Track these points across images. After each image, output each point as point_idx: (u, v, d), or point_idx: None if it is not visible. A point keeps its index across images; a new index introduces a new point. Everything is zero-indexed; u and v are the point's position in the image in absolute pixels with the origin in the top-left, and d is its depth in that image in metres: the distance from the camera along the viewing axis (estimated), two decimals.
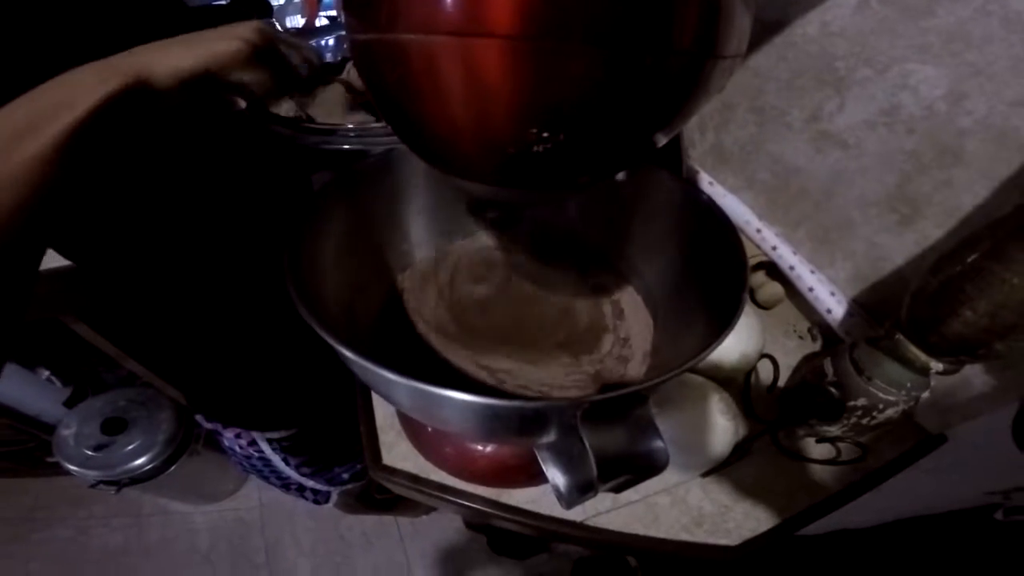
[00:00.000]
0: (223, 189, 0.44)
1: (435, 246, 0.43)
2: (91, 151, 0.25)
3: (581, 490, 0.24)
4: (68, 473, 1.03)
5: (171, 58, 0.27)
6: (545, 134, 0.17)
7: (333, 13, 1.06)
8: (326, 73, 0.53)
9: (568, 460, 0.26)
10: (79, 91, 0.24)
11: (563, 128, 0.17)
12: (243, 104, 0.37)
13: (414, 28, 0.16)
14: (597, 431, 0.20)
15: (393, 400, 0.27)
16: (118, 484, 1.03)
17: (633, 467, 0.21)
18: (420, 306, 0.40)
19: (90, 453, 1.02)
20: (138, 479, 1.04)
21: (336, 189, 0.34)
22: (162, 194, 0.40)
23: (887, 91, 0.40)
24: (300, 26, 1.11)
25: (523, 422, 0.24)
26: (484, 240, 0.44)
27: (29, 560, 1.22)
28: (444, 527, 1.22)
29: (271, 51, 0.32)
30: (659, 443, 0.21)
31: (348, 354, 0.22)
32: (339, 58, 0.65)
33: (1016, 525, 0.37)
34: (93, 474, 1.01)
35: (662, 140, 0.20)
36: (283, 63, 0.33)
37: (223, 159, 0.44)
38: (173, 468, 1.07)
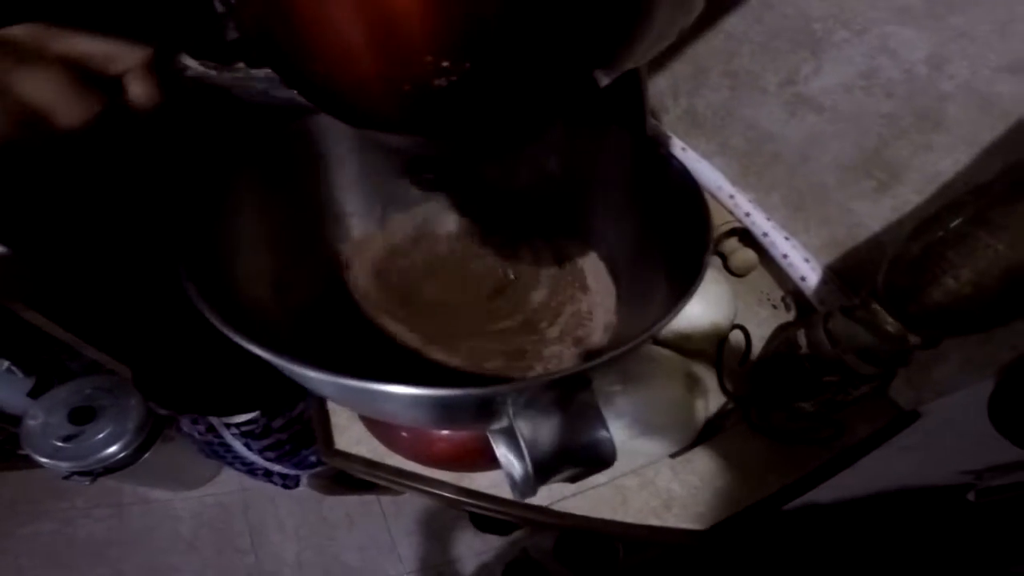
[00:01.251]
0: (149, 169, 0.41)
1: (376, 216, 0.39)
2: None
3: (531, 481, 0.22)
4: (40, 465, 1.01)
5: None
6: (445, 63, 0.13)
7: None
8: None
9: (519, 449, 0.24)
10: None
11: (466, 54, 0.13)
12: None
13: None
14: (531, 422, 0.18)
15: (324, 395, 0.25)
16: (92, 474, 1.01)
17: (576, 459, 0.19)
18: (362, 283, 0.37)
19: (60, 444, 0.99)
20: (112, 468, 1.02)
21: (246, 160, 0.31)
22: (96, 174, 0.37)
23: (865, 54, 0.39)
24: None
25: (458, 411, 0.21)
26: (431, 207, 0.41)
27: (19, 555, 1.21)
28: (427, 505, 1.22)
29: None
30: (604, 433, 0.19)
31: (255, 350, 0.19)
32: None
33: (988, 505, 0.36)
34: (65, 465, 0.99)
35: (603, 78, 0.17)
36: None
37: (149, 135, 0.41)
38: (147, 455, 1.05)
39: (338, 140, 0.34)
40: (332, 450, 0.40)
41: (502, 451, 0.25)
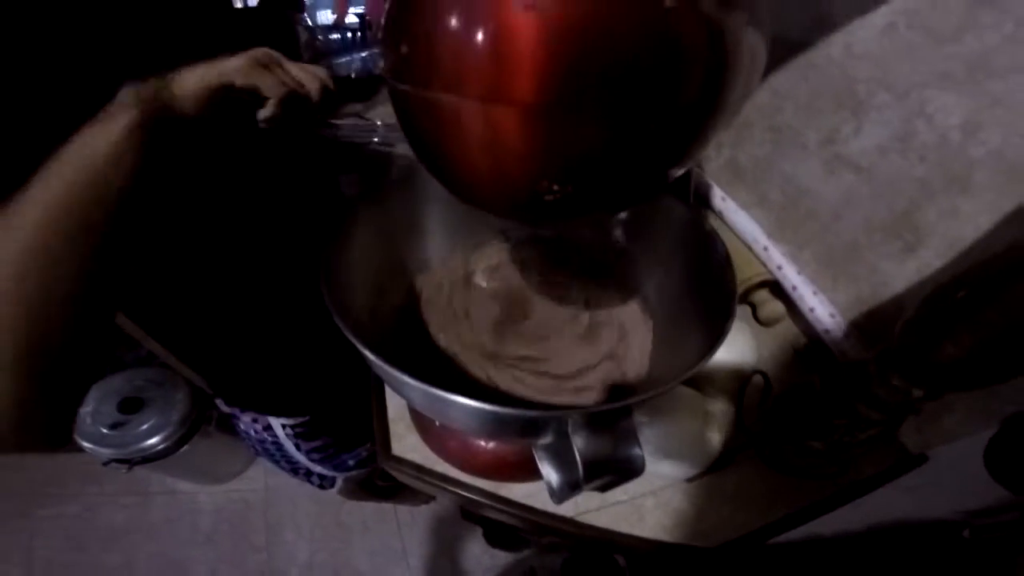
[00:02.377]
0: (254, 185, 0.46)
1: (451, 255, 0.45)
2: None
3: (570, 487, 0.26)
4: (81, 450, 1.05)
5: (187, 81, 0.32)
6: (555, 187, 0.19)
7: (361, 9, 1.09)
8: (344, 93, 0.55)
9: (561, 461, 0.28)
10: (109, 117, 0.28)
11: (571, 182, 0.19)
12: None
13: (445, 88, 0.17)
14: (585, 437, 0.23)
15: (406, 398, 0.29)
16: (130, 462, 1.05)
17: (614, 470, 0.23)
18: (434, 311, 0.42)
19: (105, 431, 1.04)
20: (150, 458, 1.06)
21: (365, 198, 0.37)
22: (195, 187, 0.42)
23: (903, 117, 0.40)
24: (331, 21, 1.14)
25: (521, 427, 0.26)
26: (497, 251, 0.46)
27: (33, 535, 1.25)
28: (441, 517, 1.24)
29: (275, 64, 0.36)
30: (637, 450, 0.23)
31: (370, 356, 0.24)
32: (366, 73, 0.67)
33: (981, 542, 0.38)
34: (107, 452, 1.03)
35: (667, 181, 0.22)
36: (287, 76, 0.37)
37: (255, 157, 0.46)
38: (185, 448, 1.09)
39: (435, 189, 0.41)
40: (389, 455, 0.44)
41: (544, 463, 0.30)
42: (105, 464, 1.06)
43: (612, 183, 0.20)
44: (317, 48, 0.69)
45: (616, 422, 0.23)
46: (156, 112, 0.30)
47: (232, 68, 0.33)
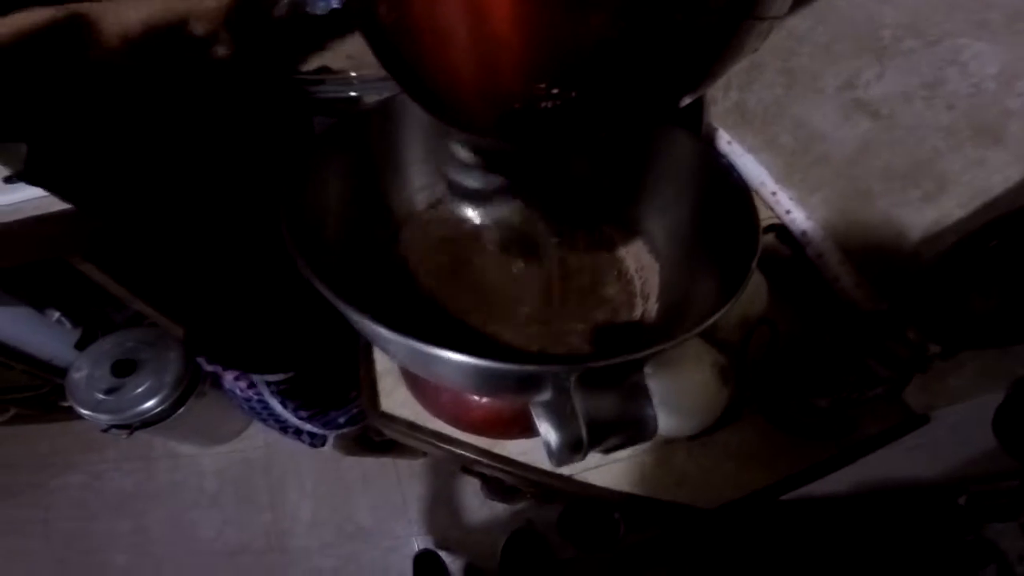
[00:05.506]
0: (225, 132, 0.43)
1: (437, 193, 0.42)
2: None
3: (571, 450, 0.24)
4: (80, 418, 1.04)
5: (123, 9, 0.25)
6: (555, 90, 0.15)
7: None
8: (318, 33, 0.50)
9: (561, 419, 0.26)
10: None
11: (576, 85, 0.15)
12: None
13: None
14: (590, 395, 0.20)
15: (390, 354, 0.27)
16: (130, 427, 1.04)
17: (622, 433, 0.21)
18: (422, 257, 0.39)
19: (101, 396, 1.03)
20: (149, 422, 1.05)
21: (336, 136, 0.33)
22: (165, 138, 0.39)
23: (933, 64, 0.39)
24: None
25: (518, 383, 0.24)
26: (487, 192, 0.42)
27: (49, 507, 1.27)
28: (440, 470, 1.27)
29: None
30: (650, 411, 0.21)
31: (344, 308, 0.21)
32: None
33: (976, 510, 0.38)
34: (105, 418, 1.02)
35: (684, 102, 0.18)
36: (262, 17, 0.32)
37: (223, 103, 0.43)
38: (182, 410, 1.09)
39: (413, 122, 0.37)
40: (378, 412, 0.43)
41: (542, 421, 0.28)
42: (105, 431, 1.05)
43: (621, 91, 0.16)
44: None
45: (625, 378, 0.21)
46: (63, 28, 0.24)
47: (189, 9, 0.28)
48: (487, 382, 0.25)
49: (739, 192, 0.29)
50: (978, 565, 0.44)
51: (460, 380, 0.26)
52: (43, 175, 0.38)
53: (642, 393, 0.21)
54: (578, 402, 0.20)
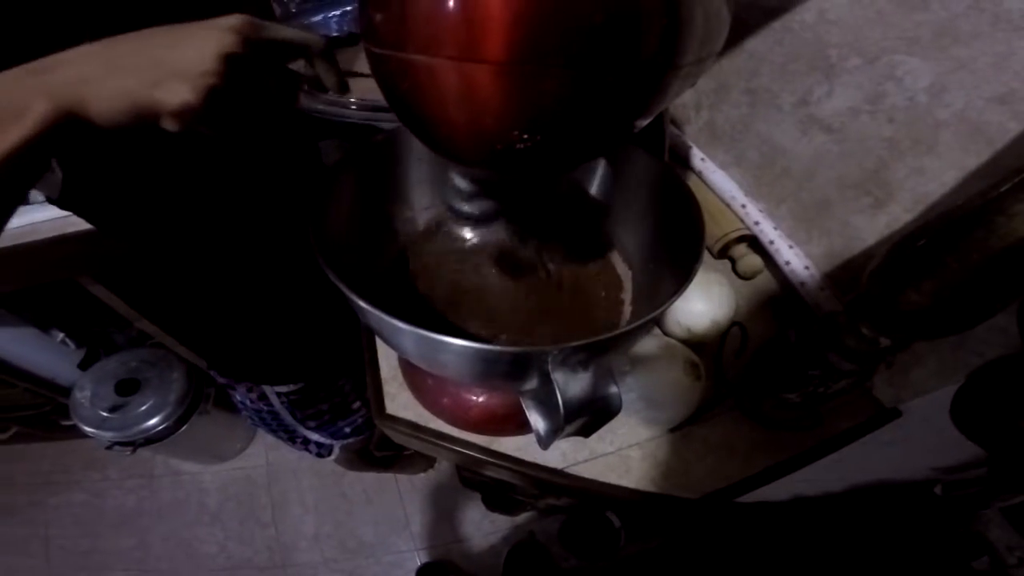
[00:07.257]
0: (236, 157, 0.46)
1: (438, 215, 0.46)
2: (26, 168, 0.24)
3: (555, 431, 0.28)
4: (83, 436, 1.06)
5: (108, 90, 0.23)
6: (525, 136, 0.20)
7: None
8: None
9: (546, 407, 0.30)
10: (11, 118, 0.22)
11: (540, 132, 0.20)
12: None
13: (420, 50, 0.19)
14: (565, 375, 0.24)
15: (397, 346, 0.31)
16: (133, 445, 1.06)
17: (593, 410, 0.25)
18: (422, 271, 0.43)
19: (105, 415, 1.04)
20: (152, 439, 1.07)
21: (349, 162, 0.37)
22: (177, 159, 0.42)
23: (874, 80, 0.42)
24: None
25: (508, 366, 0.27)
26: (483, 212, 0.47)
27: (48, 525, 1.28)
28: (441, 484, 1.28)
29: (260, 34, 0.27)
30: (614, 388, 0.25)
31: (368, 308, 0.25)
32: (346, 31, 0.65)
33: (951, 499, 0.40)
34: (109, 435, 1.04)
35: (633, 131, 0.23)
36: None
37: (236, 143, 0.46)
38: (184, 428, 1.11)
39: (416, 150, 0.41)
40: (383, 414, 0.46)
41: (531, 410, 0.31)
42: (108, 448, 1.07)
43: (579, 133, 0.21)
44: (287, 7, 0.65)
45: (592, 360, 0.25)
46: (60, 121, 0.23)
47: (174, 107, 0.24)
48: (484, 368, 0.29)
49: (688, 202, 0.33)
50: (970, 556, 0.46)
51: (461, 366, 0.29)
52: (76, 201, 0.41)
53: (608, 374, 0.25)
54: (556, 380, 0.24)
